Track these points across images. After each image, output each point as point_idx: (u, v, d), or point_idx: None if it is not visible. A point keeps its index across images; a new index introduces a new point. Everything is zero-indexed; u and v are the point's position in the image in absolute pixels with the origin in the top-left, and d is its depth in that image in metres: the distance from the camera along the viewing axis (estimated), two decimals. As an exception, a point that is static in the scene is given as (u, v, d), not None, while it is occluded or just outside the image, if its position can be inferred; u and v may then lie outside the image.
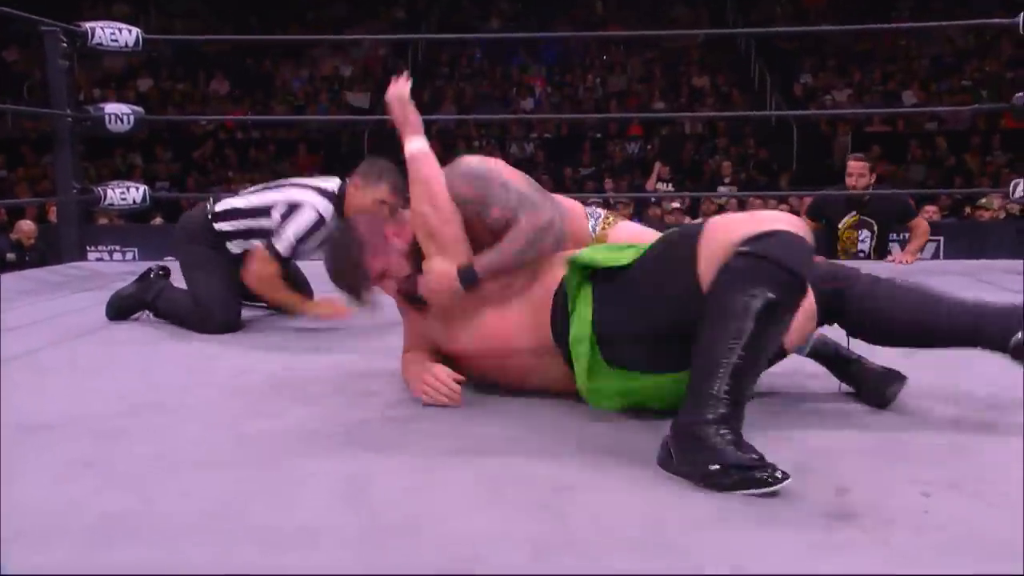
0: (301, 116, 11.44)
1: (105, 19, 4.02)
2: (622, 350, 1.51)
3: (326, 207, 2.45)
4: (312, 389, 1.82)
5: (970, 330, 1.52)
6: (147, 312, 2.62)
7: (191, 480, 1.29)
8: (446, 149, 11.53)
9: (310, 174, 10.23)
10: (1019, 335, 1.46)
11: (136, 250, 5.70)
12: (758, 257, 1.30)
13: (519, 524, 1.13)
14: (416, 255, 1.72)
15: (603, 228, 2.12)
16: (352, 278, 1.72)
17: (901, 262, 3.75)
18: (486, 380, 1.75)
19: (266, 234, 2.44)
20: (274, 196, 2.50)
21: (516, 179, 1.76)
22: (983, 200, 5.94)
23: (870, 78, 12.17)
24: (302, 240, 2.42)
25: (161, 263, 2.75)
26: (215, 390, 1.83)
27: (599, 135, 11.54)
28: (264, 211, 2.47)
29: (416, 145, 1.79)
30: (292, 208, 2.43)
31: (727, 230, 1.36)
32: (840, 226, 4.15)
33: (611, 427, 1.54)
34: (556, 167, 11.15)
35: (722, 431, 1.24)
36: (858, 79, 12.12)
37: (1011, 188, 3.57)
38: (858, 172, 4.02)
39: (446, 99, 12.39)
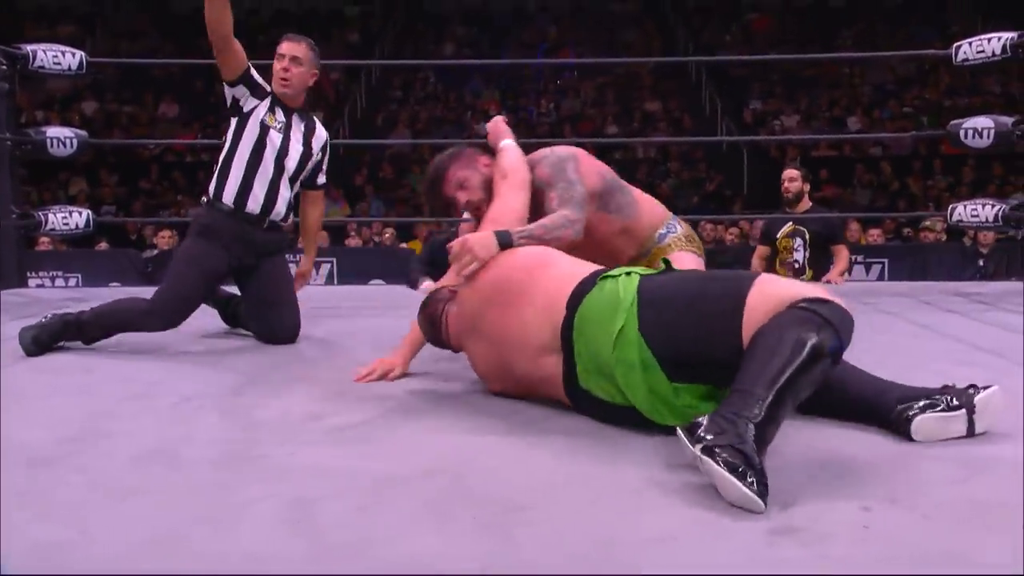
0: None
1: (50, 40, 3.97)
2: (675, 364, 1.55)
3: None
4: (258, 414, 1.80)
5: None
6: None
7: (130, 508, 1.27)
8: (399, 173, 11.55)
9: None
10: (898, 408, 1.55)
11: (79, 276, 5.57)
12: (815, 313, 1.41)
13: (467, 545, 1.14)
14: (490, 193, 2.06)
15: (670, 244, 2.29)
16: (434, 176, 2.11)
17: (833, 282, 4.05)
18: (486, 367, 1.87)
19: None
20: None
21: (587, 179, 2.16)
22: (927, 223, 6.14)
23: (817, 104, 12.54)
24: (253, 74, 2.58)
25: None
26: (155, 416, 1.80)
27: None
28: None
29: (507, 142, 2.15)
30: None
31: (780, 287, 1.50)
32: (778, 236, 4.41)
33: (564, 447, 1.55)
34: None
35: (752, 431, 1.30)
36: (805, 105, 12.47)
37: (948, 212, 3.70)
38: (789, 178, 4.35)
39: (400, 123, 12.42)
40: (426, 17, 16.46)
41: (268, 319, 2.65)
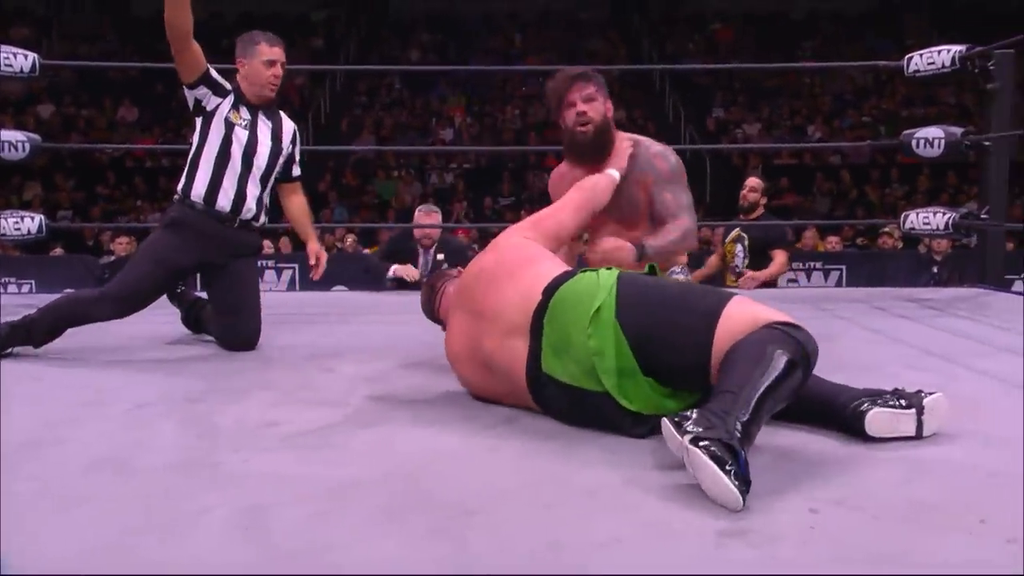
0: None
1: (3, 42, 3.89)
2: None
3: None
4: (215, 421, 1.79)
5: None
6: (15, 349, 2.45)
7: (80, 515, 1.25)
8: (363, 179, 11.51)
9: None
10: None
11: (33, 282, 5.46)
12: (789, 335, 1.49)
13: (421, 549, 1.14)
14: (607, 129, 2.34)
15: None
16: (579, 74, 2.34)
17: (743, 284, 4.13)
18: (459, 342, 1.88)
19: None
20: None
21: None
22: (886, 229, 6.28)
23: (778, 113, 12.75)
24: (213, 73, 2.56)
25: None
26: (108, 423, 1.77)
27: (519, 166, 11.70)
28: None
29: (613, 172, 2.30)
30: None
31: (756, 308, 1.56)
32: (725, 242, 4.52)
33: (522, 451, 1.56)
34: (476, 197, 11.25)
35: (740, 429, 1.35)
36: (767, 114, 12.68)
37: (901, 220, 3.79)
38: (751, 187, 4.43)
39: (365, 129, 12.38)
40: (392, 23, 16.44)
41: (229, 323, 2.62)
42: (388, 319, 3.39)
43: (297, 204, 2.83)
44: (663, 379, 1.60)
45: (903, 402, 1.57)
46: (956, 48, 3.55)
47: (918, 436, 1.55)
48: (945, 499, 1.30)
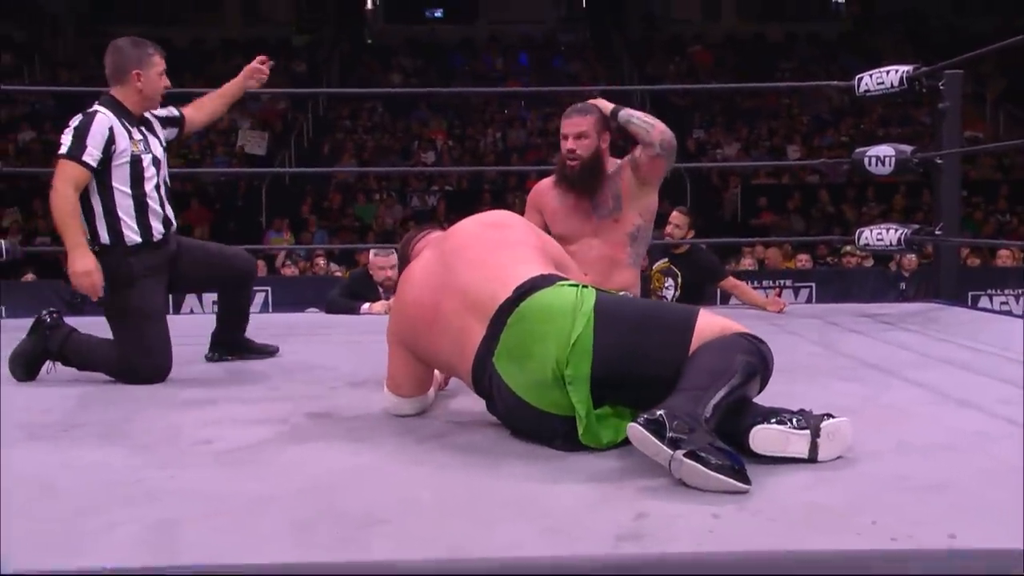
0: (196, 169, 11.25)
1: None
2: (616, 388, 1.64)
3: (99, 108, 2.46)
4: (150, 438, 1.81)
5: None
6: (52, 365, 2.47)
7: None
8: (345, 202, 11.55)
9: (202, 230, 9.84)
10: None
11: (3, 308, 5.46)
12: (755, 345, 1.61)
13: (323, 557, 1.17)
14: (596, 165, 2.57)
15: None
16: (584, 107, 2.60)
17: (777, 310, 3.84)
18: (420, 282, 1.86)
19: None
20: None
21: None
22: (849, 248, 6.36)
23: (756, 134, 12.89)
24: (82, 134, 2.37)
25: (51, 309, 2.58)
26: (39, 443, 1.79)
27: (499, 188, 11.77)
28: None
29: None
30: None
31: (725, 320, 1.67)
32: (653, 268, 4.30)
33: (445, 463, 1.60)
34: (458, 219, 11.25)
35: (709, 427, 1.44)
36: (745, 135, 12.81)
37: (856, 236, 3.85)
38: (675, 223, 4.27)
39: (346, 152, 12.44)
40: (373, 47, 16.60)
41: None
42: (351, 339, 3.41)
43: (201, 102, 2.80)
44: (631, 397, 1.63)
45: (797, 423, 1.53)
46: (904, 68, 3.63)
47: (811, 459, 1.52)
48: (842, 502, 1.34)
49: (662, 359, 1.60)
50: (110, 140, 2.41)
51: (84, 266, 2.37)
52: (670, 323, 1.65)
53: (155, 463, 1.63)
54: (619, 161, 2.65)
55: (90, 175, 2.40)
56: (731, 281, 4.34)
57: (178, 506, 1.37)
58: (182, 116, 2.74)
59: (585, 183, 2.58)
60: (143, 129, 2.55)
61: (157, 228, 2.53)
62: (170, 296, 2.64)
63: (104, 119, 2.43)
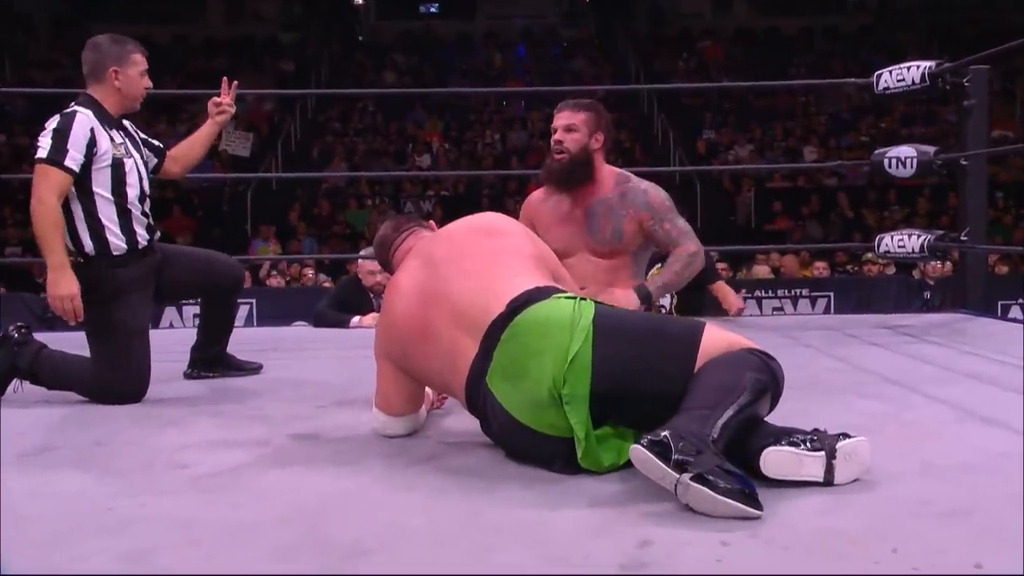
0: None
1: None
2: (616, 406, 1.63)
3: (78, 108, 2.43)
4: (117, 464, 1.80)
5: None
6: (20, 383, 2.45)
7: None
8: (336, 208, 11.58)
9: (184, 238, 9.86)
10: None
11: (-28, 322, 5.47)
12: (764, 362, 1.60)
13: (303, 592, 1.16)
14: (585, 163, 2.57)
15: None
16: (584, 103, 2.63)
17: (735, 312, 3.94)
18: (407, 291, 1.85)
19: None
20: None
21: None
22: (869, 255, 6.37)
23: (771, 134, 12.92)
24: (62, 137, 2.34)
25: (19, 324, 2.55)
26: (7, 468, 1.78)
27: (498, 192, 11.79)
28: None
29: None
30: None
31: (731, 334, 1.67)
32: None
33: (436, 488, 1.59)
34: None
35: (716, 449, 1.43)
36: (759, 135, 12.84)
37: (876, 243, 3.85)
38: None
39: (336, 155, 12.48)
40: (365, 45, 16.65)
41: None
42: (340, 354, 3.40)
43: (180, 147, 2.78)
44: (633, 416, 1.63)
45: (811, 444, 1.51)
46: (926, 64, 3.64)
47: (827, 483, 1.50)
48: (860, 529, 1.33)
49: (666, 376, 1.59)
50: (92, 142, 2.39)
51: (68, 289, 2.33)
52: (674, 338, 1.64)
53: (129, 489, 1.62)
54: (629, 186, 2.61)
55: (72, 181, 2.38)
56: (720, 285, 4.34)
57: (152, 535, 1.37)
58: (164, 150, 2.74)
59: (569, 180, 2.56)
60: (123, 133, 2.54)
61: (142, 235, 2.51)
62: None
63: (85, 119, 2.40)
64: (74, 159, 2.36)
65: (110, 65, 2.47)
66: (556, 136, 2.57)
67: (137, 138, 2.63)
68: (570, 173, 2.56)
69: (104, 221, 2.44)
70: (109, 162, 2.43)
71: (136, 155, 2.56)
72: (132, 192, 2.48)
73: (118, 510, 1.50)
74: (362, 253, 4.71)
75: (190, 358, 2.77)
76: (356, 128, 13.61)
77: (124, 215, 2.47)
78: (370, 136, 13.34)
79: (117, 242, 2.45)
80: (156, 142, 2.74)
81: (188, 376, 2.74)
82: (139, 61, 2.52)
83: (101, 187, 2.43)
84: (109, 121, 2.48)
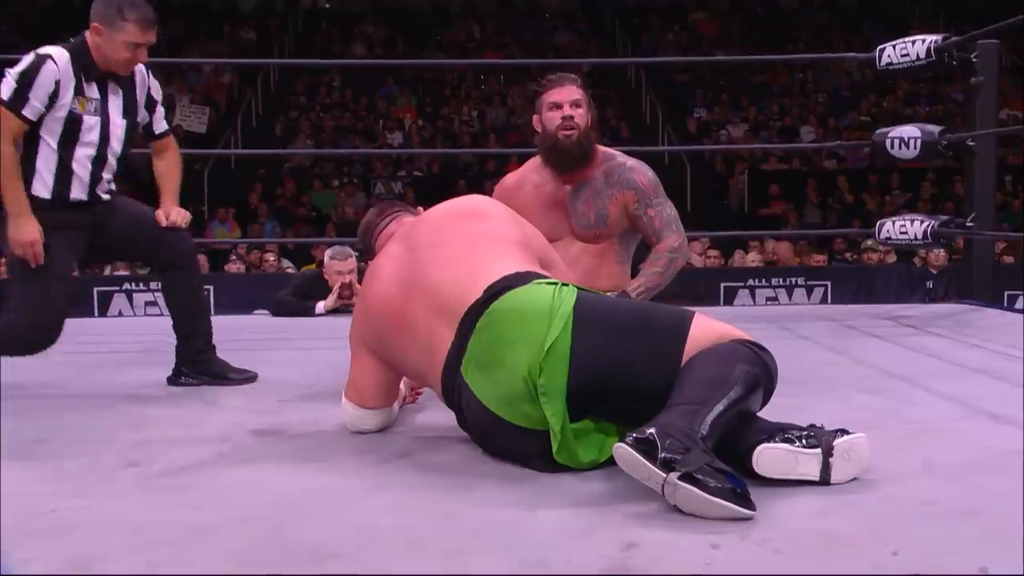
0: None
1: None
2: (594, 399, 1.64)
3: (57, 51, 2.43)
4: (64, 464, 1.79)
5: None
6: None
7: None
8: (300, 189, 11.52)
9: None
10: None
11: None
12: (756, 354, 1.60)
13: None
14: (591, 140, 2.55)
15: None
16: (578, 81, 2.60)
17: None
18: (389, 276, 1.85)
19: None
20: None
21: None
22: (869, 242, 6.43)
23: (766, 113, 12.97)
24: (26, 83, 2.36)
25: None
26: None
27: (476, 173, 11.77)
28: None
29: None
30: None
31: (721, 324, 1.66)
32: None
33: (408, 488, 1.59)
34: (428, 207, 11.26)
35: (706, 447, 1.43)
36: (753, 114, 12.89)
37: (877, 229, 3.88)
38: None
39: (301, 132, 12.40)
40: (333, 13, 16.51)
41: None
42: (304, 345, 3.39)
43: (167, 161, 2.76)
44: (615, 411, 1.63)
45: (807, 441, 1.52)
46: (932, 38, 3.66)
47: (823, 482, 1.51)
48: (859, 531, 1.34)
49: (651, 369, 1.59)
50: (54, 94, 2.41)
51: (29, 235, 2.38)
52: (660, 327, 1.64)
53: (73, 490, 1.61)
54: (614, 164, 2.60)
55: (25, 130, 2.41)
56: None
57: (98, 539, 1.35)
58: (159, 136, 2.71)
59: (582, 159, 2.55)
60: (107, 88, 2.51)
61: (79, 191, 2.50)
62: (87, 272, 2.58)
63: (52, 69, 2.40)
64: (33, 108, 2.39)
65: (95, 20, 2.47)
66: (565, 111, 2.54)
67: (137, 92, 2.59)
68: (580, 152, 2.55)
69: (39, 167, 2.46)
70: (64, 113, 2.44)
71: (114, 117, 2.53)
72: (84, 151, 2.48)
73: (61, 512, 1.48)
74: (328, 253, 4.67)
75: (175, 362, 2.63)
76: (322, 103, 13.52)
77: (63, 169, 2.47)
78: (337, 112, 13.26)
79: (41, 188, 2.46)
80: (161, 127, 2.72)
81: (172, 382, 2.60)
82: (130, 32, 2.45)
83: (49, 135, 2.45)
84: (89, 72, 2.47)
